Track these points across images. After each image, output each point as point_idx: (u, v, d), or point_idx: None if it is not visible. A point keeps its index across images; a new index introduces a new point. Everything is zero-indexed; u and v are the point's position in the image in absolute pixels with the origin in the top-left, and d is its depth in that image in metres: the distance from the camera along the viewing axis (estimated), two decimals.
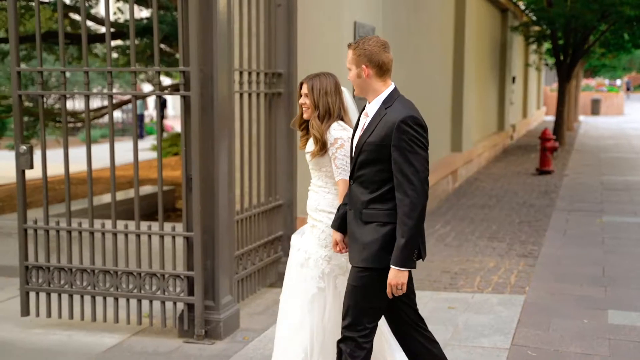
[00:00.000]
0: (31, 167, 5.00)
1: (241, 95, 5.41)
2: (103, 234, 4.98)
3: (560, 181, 12.29)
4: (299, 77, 5.99)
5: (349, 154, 3.43)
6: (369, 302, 3.24)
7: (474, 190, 11.37)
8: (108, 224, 5.01)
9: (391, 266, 3.11)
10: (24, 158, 4.98)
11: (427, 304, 5.52)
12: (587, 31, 17.46)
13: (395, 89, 3.27)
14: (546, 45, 22.35)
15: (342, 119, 3.62)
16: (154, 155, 15.82)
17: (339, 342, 3.32)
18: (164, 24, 7.13)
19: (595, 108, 36.95)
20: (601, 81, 42.88)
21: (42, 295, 5.12)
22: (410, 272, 3.23)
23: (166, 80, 19.76)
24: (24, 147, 4.98)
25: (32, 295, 5.11)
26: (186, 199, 4.80)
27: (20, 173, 5.01)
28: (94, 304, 4.99)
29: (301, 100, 3.64)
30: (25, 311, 5.09)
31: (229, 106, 4.96)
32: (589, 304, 5.44)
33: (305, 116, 3.63)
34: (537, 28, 20.13)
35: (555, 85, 43.42)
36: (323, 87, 3.58)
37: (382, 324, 3.59)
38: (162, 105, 24.91)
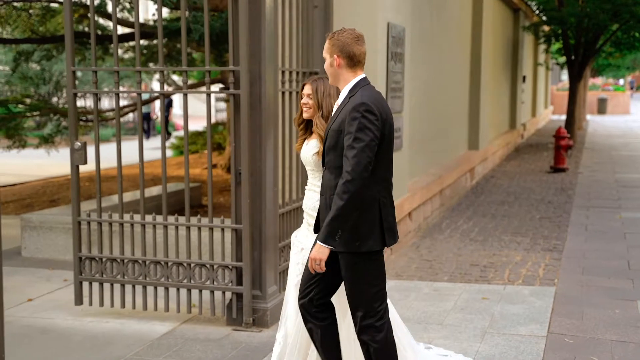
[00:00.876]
0: (85, 162, 5.21)
1: (283, 93, 5.61)
2: (154, 226, 5.20)
3: (575, 179, 12.48)
4: None
5: None
6: (367, 289, 3.33)
7: (491, 188, 11.57)
8: (158, 217, 5.23)
9: (317, 241, 3.24)
10: (78, 154, 5.20)
11: (461, 295, 5.74)
12: (599, 30, 17.63)
13: (362, 79, 3.40)
14: (556, 45, 22.53)
15: None
16: (169, 153, 16.01)
17: (359, 334, 3.42)
18: (199, 24, 7.33)
19: (601, 107, 37.11)
20: (612, 81, 43.06)
21: (95, 285, 5.33)
22: (382, 263, 3.37)
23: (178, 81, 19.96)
24: (78, 144, 5.19)
25: (85, 285, 5.33)
26: (235, 193, 5.01)
27: (75, 168, 5.22)
28: (145, 294, 5.21)
29: (303, 101, 3.77)
30: (78, 300, 5.31)
31: (275, 104, 5.17)
32: (618, 295, 5.65)
33: (305, 116, 3.78)
34: (547, 27, 20.31)
35: (560, 85, 43.70)
36: (326, 90, 3.74)
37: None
38: (168, 104, 25.15)
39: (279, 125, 5.46)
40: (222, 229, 5.10)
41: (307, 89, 3.79)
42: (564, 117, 34.41)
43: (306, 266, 3.49)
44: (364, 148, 3.15)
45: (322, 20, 6.13)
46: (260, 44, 4.97)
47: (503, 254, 7.08)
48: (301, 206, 6.04)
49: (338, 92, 3.71)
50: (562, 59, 21.56)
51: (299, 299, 3.55)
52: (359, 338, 3.46)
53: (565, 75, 51.88)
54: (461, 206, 9.88)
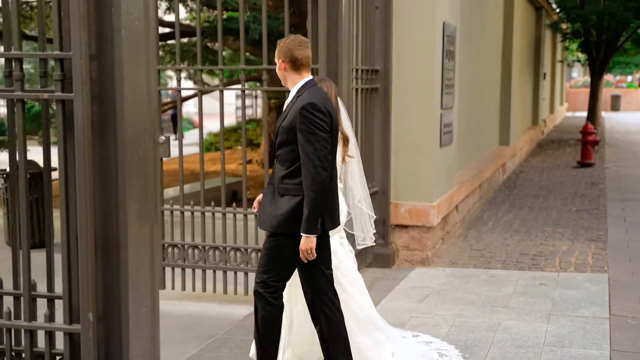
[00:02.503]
0: (169, 155, 5.52)
1: (355, 90, 5.92)
2: (234, 214, 5.52)
3: (603, 173, 12.76)
4: (394, 74, 6.52)
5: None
6: (278, 264, 3.65)
7: (522, 182, 11.87)
8: (234, 208, 5.56)
9: (301, 234, 3.53)
10: (162, 147, 5.50)
11: (518, 281, 6.05)
12: (621, 28, 17.90)
13: (309, 81, 3.69)
14: (573, 43, 22.78)
15: None
16: (195, 150, 16.33)
17: (254, 294, 3.74)
18: (257, 24, 7.64)
19: (615, 104, 37.33)
20: (619, 78, 43.25)
21: (177, 271, 5.66)
22: (328, 248, 3.70)
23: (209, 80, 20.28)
24: (162, 138, 5.50)
25: (168, 270, 5.66)
26: None
27: (159, 161, 5.55)
28: (226, 279, 5.53)
29: None
30: (161, 285, 5.64)
31: (349, 101, 5.48)
32: None
33: None
34: (564, 25, 20.57)
35: (573, 82, 43.92)
36: (327, 91, 4.00)
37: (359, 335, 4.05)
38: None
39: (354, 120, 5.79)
40: None
41: None
42: (578, 114, 34.76)
43: (264, 252, 3.73)
44: (321, 142, 3.47)
45: (383, 20, 6.45)
46: (337, 44, 5.28)
47: (549, 244, 7.38)
48: (371, 194, 6.37)
49: (336, 96, 4.07)
50: (583, 56, 21.78)
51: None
52: (254, 295, 3.73)
53: (575, 73, 52.18)
54: (497, 199, 10.18)
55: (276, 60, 3.71)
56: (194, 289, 5.60)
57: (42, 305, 3.13)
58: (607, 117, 30.87)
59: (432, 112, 6.63)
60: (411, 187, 6.63)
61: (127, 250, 2.90)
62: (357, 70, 5.99)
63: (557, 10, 20.14)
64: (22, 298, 3.03)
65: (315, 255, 3.56)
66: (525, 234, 7.88)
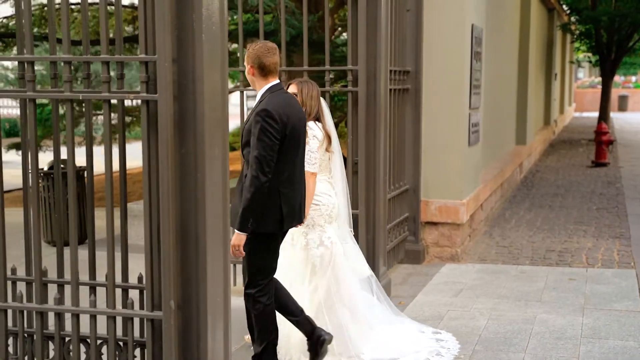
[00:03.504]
0: None
1: (391, 90, 6.09)
2: None
3: (618, 172, 12.92)
4: (425, 75, 6.69)
5: (313, 150, 4.15)
6: (256, 261, 3.83)
7: (539, 181, 12.03)
8: None
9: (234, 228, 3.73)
10: None
11: (547, 276, 6.21)
12: (633, 29, 18.04)
13: (274, 85, 3.86)
14: (583, 44, 22.93)
15: (318, 120, 4.30)
16: None
17: (244, 295, 3.93)
18: (290, 27, 7.81)
19: (622, 104, 37.46)
20: (622, 78, 43.37)
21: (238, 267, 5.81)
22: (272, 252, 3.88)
23: None
24: None
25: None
26: (351, 181, 5.50)
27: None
28: None
29: None
30: None
31: (386, 100, 5.66)
32: None
33: None
34: (573, 27, 20.73)
35: (580, 82, 44.05)
36: (310, 91, 4.26)
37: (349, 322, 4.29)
38: None
39: (388, 119, 5.96)
40: None
41: (293, 89, 4.28)
42: (585, 114, 34.91)
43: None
44: (265, 148, 3.62)
45: (414, 23, 6.62)
46: (376, 45, 5.45)
47: (574, 241, 7.54)
48: (402, 192, 6.54)
49: (318, 96, 4.29)
50: (593, 57, 21.93)
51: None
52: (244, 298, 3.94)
53: (581, 74, 52.30)
54: (517, 198, 10.34)
55: (245, 64, 3.89)
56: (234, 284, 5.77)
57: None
58: (615, 117, 30.99)
59: (461, 112, 6.80)
60: (441, 185, 6.80)
61: (205, 243, 3.07)
62: (390, 71, 6.15)
63: (568, 11, 20.30)
64: (106, 288, 3.20)
65: (243, 253, 3.75)
66: (549, 232, 8.04)
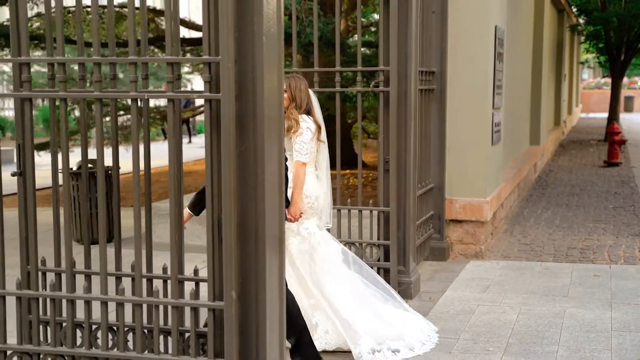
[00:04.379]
0: None
1: (421, 90, 6.22)
2: (349, 210, 5.80)
3: (631, 172, 13.03)
4: (449, 75, 6.82)
5: (307, 141, 4.36)
6: None
7: (553, 181, 12.15)
8: None
9: None
10: None
11: (572, 272, 6.33)
12: None
13: None
14: (592, 46, 23.03)
15: (309, 113, 4.50)
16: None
17: None
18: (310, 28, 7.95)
19: (628, 105, 37.53)
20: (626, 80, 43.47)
21: None
22: None
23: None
24: None
25: None
26: (382, 179, 5.63)
27: None
28: None
29: None
30: None
31: (416, 100, 5.79)
32: None
33: None
34: (580, 28, 20.85)
35: (586, 83, 44.14)
36: (298, 85, 4.46)
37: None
38: (185, 105, 25.54)
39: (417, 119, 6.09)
40: (370, 211, 5.73)
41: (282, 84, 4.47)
42: (592, 115, 35.01)
43: None
44: None
45: (439, 24, 6.75)
46: (407, 46, 5.58)
47: (594, 239, 7.66)
48: (428, 190, 6.66)
49: (307, 89, 4.50)
50: (602, 58, 22.03)
51: None
52: None
53: (586, 75, 52.38)
54: (533, 197, 10.46)
55: None
56: None
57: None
58: (622, 118, 31.01)
59: (485, 112, 6.93)
60: (465, 184, 6.92)
61: (264, 236, 3.19)
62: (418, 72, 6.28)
63: (577, 12, 20.41)
64: (169, 281, 3.33)
65: (186, 228, 3.96)
66: (568, 230, 8.16)
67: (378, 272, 5.70)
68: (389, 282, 5.64)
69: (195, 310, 3.28)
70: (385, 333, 4.51)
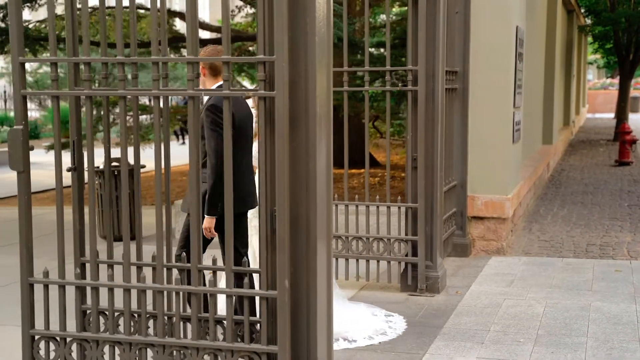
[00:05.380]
0: None
1: (447, 90, 6.35)
2: (336, 205, 5.96)
3: None
4: (472, 75, 6.95)
5: None
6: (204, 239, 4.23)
7: (566, 180, 12.27)
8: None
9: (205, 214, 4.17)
10: None
11: (593, 268, 6.47)
12: None
13: (220, 85, 4.20)
14: (599, 47, 23.17)
15: None
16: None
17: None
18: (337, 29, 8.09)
19: (633, 105, 37.51)
20: None
21: None
22: (243, 229, 4.32)
23: None
24: None
25: None
26: (410, 176, 5.77)
27: None
28: (353, 267, 5.95)
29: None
30: None
31: (443, 99, 5.92)
32: None
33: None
34: (587, 28, 20.96)
35: (592, 84, 44.26)
36: None
37: None
38: (186, 104, 25.55)
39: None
40: (399, 207, 5.87)
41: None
42: (598, 115, 35.11)
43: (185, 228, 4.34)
44: (218, 138, 4.04)
45: (462, 24, 6.89)
46: (435, 46, 5.72)
47: (612, 235, 7.79)
48: (451, 187, 6.79)
49: None
50: (611, 58, 22.16)
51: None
52: None
53: (590, 75, 52.51)
54: (548, 196, 10.59)
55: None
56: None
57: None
58: (630, 118, 31.16)
59: (507, 111, 7.07)
60: (487, 181, 7.05)
61: (315, 228, 3.33)
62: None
63: (586, 13, 20.52)
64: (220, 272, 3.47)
65: (215, 234, 4.21)
66: (585, 227, 8.29)
67: (406, 267, 5.87)
68: (416, 277, 5.80)
69: (249, 300, 3.41)
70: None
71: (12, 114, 30.08)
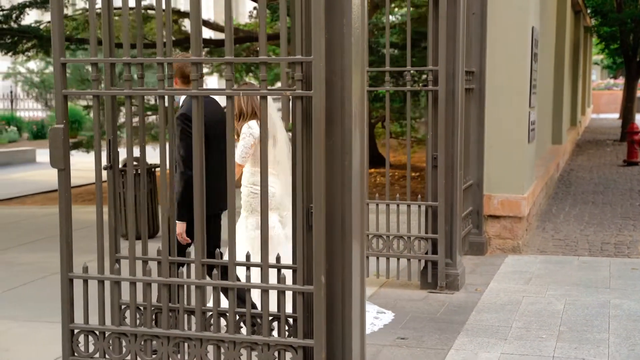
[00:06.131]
0: None
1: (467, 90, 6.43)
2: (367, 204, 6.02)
3: None
4: (488, 75, 7.03)
5: (247, 146, 4.60)
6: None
7: (575, 179, 12.34)
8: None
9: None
10: None
11: (610, 266, 6.54)
12: None
13: None
14: (603, 48, 23.24)
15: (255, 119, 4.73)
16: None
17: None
18: None
19: (637, 106, 37.67)
20: None
21: None
22: (216, 230, 4.39)
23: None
24: None
25: None
26: (431, 175, 5.85)
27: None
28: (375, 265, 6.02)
29: None
30: None
31: (462, 99, 6.00)
32: None
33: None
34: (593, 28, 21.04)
35: (596, 84, 44.33)
36: (240, 97, 4.60)
37: None
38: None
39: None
40: (419, 206, 5.94)
41: None
42: (602, 115, 35.16)
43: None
44: (186, 147, 4.13)
45: (479, 25, 6.96)
46: (455, 47, 5.80)
47: (626, 234, 7.86)
48: (467, 186, 6.87)
49: (250, 96, 4.64)
50: (618, 59, 22.22)
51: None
52: None
53: (594, 76, 52.58)
54: (558, 195, 10.66)
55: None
56: None
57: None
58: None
59: (523, 111, 7.14)
60: (503, 180, 7.13)
61: (351, 224, 3.41)
62: None
63: (593, 14, 20.59)
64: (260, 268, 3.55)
65: (188, 239, 4.29)
66: (598, 226, 8.36)
67: (426, 265, 5.94)
68: (436, 275, 5.88)
69: (284, 295, 3.49)
70: None
71: (18, 114, 30.22)
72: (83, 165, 15.27)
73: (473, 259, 6.92)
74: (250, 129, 4.65)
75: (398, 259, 5.99)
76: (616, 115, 32.38)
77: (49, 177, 14.46)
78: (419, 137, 16.42)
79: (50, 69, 29.72)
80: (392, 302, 5.59)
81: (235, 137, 4.63)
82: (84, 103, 31.77)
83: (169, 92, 3.58)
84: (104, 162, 3.75)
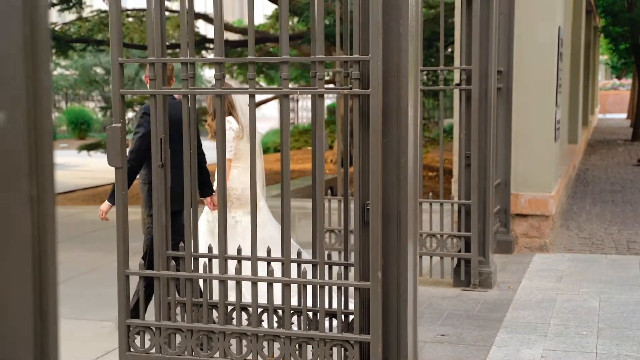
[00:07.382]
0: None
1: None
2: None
3: None
4: (515, 75, 7.06)
5: (229, 140, 4.60)
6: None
7: (592, 179, 12.38)
8: None
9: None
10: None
11: (636, 265, 6.57)
12: None
13: None
14: (612, 45, 23.26)
15: (231, 115, 4.87)
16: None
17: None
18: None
19: None
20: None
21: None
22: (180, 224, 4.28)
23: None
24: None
25: None
26: (463, 173, 5.89)
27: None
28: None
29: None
30: None
31: (494, 98, 6.04)
32: None
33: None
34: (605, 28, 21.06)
35: (602, 84, 44.38)
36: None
37: None
38: None
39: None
40: (452, 204, 5.99)
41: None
42: (609, 115, 35.18)
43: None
44: (136, 140, 4.41)
45: (507, 25, 6.99)
46: (488, 47, 5.84)
47: None
48: (495, 185, 6.90)
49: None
50: (624, 59, 22.25)
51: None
52: None
53: (600, 76, 52.63)
54: (577, 194, 10.70)
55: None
56: None
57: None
58: None
59: (550, 110, 7.19)
60: (530, 179, 7.17)
61: (406, 220, 3.46)
62: None
63: (603, 14, 20.62)
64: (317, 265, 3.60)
65: (107, 218, 4.49)
66: (622, 224, 8.40)
67: (459, 263, 5.98)
68: (469, 272, 5.92)
69: (343, 290, 3.54)
70: None
71: None
72: (96, 167, 15.36)
73: (501, 258, 6.95)
74: (229, 124, 4.79)
75: (431, 257, 6.03)
76: (623, 116, 32.43)
77: (65, 178, 14.54)
78: (432, 136, 16.48)
79: (59, 70, 29.89)
80: (426, 299, 5.63)
81: (212, 134, 4.73)
82: (92, 105, 31.82)
83: (226, 92, 3.63)
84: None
